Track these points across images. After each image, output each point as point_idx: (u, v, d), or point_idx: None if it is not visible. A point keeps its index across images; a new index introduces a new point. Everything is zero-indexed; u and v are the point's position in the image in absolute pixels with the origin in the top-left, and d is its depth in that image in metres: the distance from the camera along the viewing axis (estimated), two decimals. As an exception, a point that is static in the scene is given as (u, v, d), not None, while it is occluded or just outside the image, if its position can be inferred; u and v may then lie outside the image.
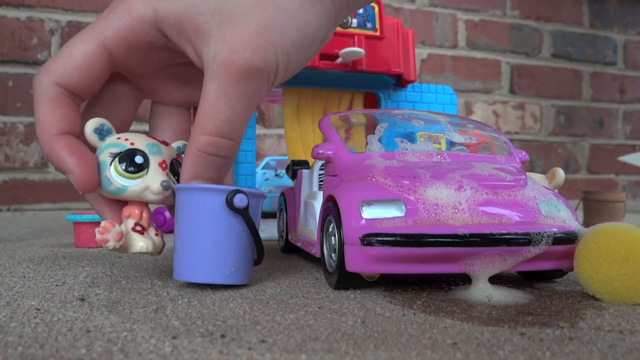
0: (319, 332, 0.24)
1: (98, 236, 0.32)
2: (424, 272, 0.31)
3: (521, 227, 0.31)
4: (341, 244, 0.32)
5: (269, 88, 0.32)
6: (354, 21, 0.55)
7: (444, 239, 0.30)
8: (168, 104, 0.37)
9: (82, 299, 0.31)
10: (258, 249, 0.34)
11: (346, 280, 0.33)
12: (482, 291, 0.32)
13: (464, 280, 0.36)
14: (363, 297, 0.32)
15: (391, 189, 0.33)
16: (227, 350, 0.22)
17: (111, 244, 0.32)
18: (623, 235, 0.30)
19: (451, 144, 0.40)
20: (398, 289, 0.34)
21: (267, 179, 0.85)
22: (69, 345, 0.22)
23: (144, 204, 0.34)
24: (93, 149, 0.33)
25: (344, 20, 0.55)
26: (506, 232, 0.30)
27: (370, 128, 0.40)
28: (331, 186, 0.38)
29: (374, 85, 0.61)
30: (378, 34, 0.56)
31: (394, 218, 0.31)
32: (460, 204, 0.31)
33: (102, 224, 0.32)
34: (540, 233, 0.31)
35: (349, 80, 0.58)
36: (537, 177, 0.42)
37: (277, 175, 0.85)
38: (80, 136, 0.32)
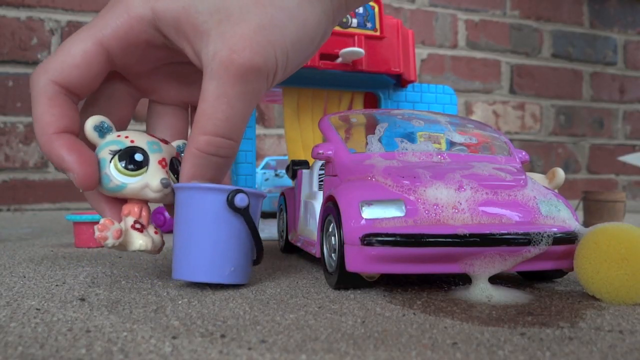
0: (319, 332, 0.24)
1: (97, 233, 0.32)
2: (424, 272, 0.31)
3: (521, 227, 0.31)
4: (341, 244, 0.32)
5: (269, 87, 0.32)
6: (354, 21, 0.55)
7: (444, 239, 0.30)
8: (166, 104, 0.37)
9: (82, 299, 0.31)
10: (258, 249, 0.34)
11: (346, 280, 0.33)
12: (482, 291, 0.32)
13: (464, 280, 0.36)
14: (363, 297, 0.32)
15: (391, 189, 0.33)
16: (227, 350, 0.22)
17: (110, 241, 0.32)
18: (623, 235, 0.30)
19: (451, 144, 0.40)
20: (398, 289, 0.34)
21: (267, 179, 0.85)
22: (69, 345, 0.22)
23: (144, 202, 0.34)
24: (92, 147, 0.33)
25: (344, 20, 0.55)
26: (506, 232, 0.30)
27: (370, 128, 0.40)
28: (331, 186, 0.38)
29: (374, 85, 0.61)
30: (378, 34, 0.56)
31: (394, 218, 0.31)
32: (460, 204, 0.32)
33: (101, 221, 0.32)
34: (540, 233, 0.31)
35: (349, 80, 0.58)
36: (537, 177, 0.42)
37: (277, 175, 0.85)
38: (79, 134, 0.32)
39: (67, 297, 0.31)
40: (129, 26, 0.31)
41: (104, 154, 0.33)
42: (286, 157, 0.92)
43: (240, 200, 0.31)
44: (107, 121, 0.33)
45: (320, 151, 0.38)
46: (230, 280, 0.33)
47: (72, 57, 0.31)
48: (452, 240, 0.30)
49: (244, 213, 0.32)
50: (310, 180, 0.45)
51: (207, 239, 0.32)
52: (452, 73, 1.45)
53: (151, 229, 0.34)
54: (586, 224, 0.77)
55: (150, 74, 0.35)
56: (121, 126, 0.36)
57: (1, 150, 1.08)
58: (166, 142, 0.35)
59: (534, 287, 0.35)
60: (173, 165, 0.34)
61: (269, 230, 0.62)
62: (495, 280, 0.34)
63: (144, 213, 0.34)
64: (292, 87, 0.59)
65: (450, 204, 0.31)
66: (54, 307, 0.29)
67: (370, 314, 0.28)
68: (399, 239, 0.30)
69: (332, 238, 0.34)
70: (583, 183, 1.59)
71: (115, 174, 0.32)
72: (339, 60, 0.54)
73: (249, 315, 0.27)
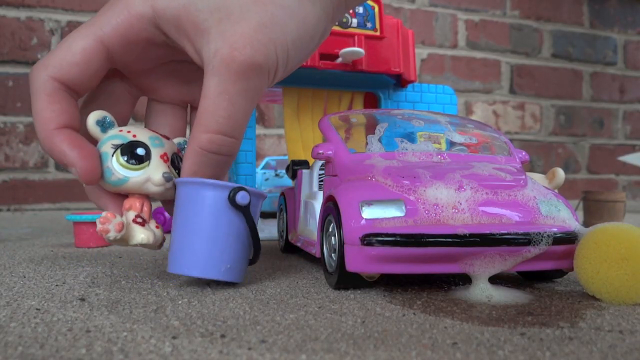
0: (319, 332, 0.24)
1: (99, 226, 0.32)
2: (424, 272, 0.31)
3: (521, 227, 0.31)
4: (341, 244, 0.32)
5: (269, 85, 0.32)
6: (354, 21, 0.55)
7: (444, 239, 0.30)
8: (164, 102, 0.37)
9: (82, 299, 0.31)
10: (255, 248, 0.34)
11: (346, 280, 0.33)
12: (482, 291, 0.32)
13: (464, 280, 0.36)
14: (363, 297, 0.32)
15: (391, 189, 0.33)
16: (227, 350, 0.22)
17: (112, 234, 0.32)
18: (623, 235, 0.30)
19: (451, 144, 0.40)
20: (398, 289, 0.34)
21: (267, 179, 0.85)
22: (69, 345, 0.22)
23: (145, 196, 0.34)
24: (93, 142, 0.33)
25: (344, 20, 0.55)
26: (506, 232, 0.30)
27: (370, 128, 0.40)
28: (331, 186, 0.38)
29: (374, 85, 0.61)
30: (378, 34, 0.56)
31: (394, 218, 0.31)
32: (460, 204, 0.31)
33: (103, 214, 0.32)
34: (540, 233, 0.31)
35: (349, 80, 0.58)
36: (537, 177, 0.42)
37: (277, 175, 0.85)
38: (80, 130, 0.32)
39: (67, 297, 0.31)
40: (129, 24, 0.31)
41: (106, 148, 0.33)
42: (286, 157, 0.92)
43: (242, 197, 0.32)
44: (109, 116, 0.33)
45: (320, 151, 0.38)
46: (225, 277, 0.32)
47: (72, 54, 0.31)
48: (452, 240, 0.30)
49: (244, 211, 0.32)
50: (310, 180, 0.45)
51: (206, 234, 0.32)
52: (452, 73, 1.45)
53: (152, 224, 0.34)
54: (586, 224, 0.77)
55: (150, 72, 0.35)
56: (121, 124, 0.36)
57: (1, 150, 1.08)
58: (167, 138, 0.35)
59: (534, 287, 0.35)
60: (174, 161, 0.34)
61: (269, 230, 0.62)
62: (495, 280, 0.34)
63: (145, 208, 0.34)
64: (292, 87, 0.59)
65: (450, 204, 0.31)
66: (54, 307, 0.29)
67: (370, 314, 0.28)
68: (399, 239, 0.30)
69: (332, 238, 0.34)
70: (583, 183, 1.59)
71: (118, 167, 0.32)
72: (339, 60, 0.54)
73: (249, 315, 0.27)
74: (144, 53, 0.33)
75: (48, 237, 0.64)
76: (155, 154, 0.33)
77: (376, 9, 0.56)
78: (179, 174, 0.34)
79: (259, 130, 1.25)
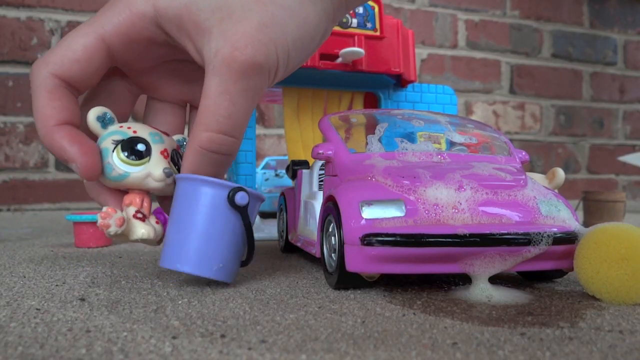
0: (319, 332, 0.24)
1: (100, 221, 0.32)
2: (424, 272, 0.31)
3: (521, 227, 0.31)
4: (341, 244, 0.32)
5: (270, 84, 0.32)
6: (354, 21, 0.55)
7: (444, 239, 0.30)
8: (164, 101, 0.38)
9: (82, 299, 0.31)
10: (249, 249, 0.34)
11: (346, 280, 0.33)
12: (482, 291, 0.32)
13: (464, 280, 0.36)
14: (363, 297, 0.32)
15: (391, 189, 0.33)
16: (227, 350, 0.22)
17: (113, 229, 0.32)
18: (623, 235, 0.30)
19: (451, 144, 0.40)
20: (398, 289, 0.34)
21: (267, 179, 0.85)
22: (69, 345, 0.22)
23: (145, 192, 0.34)
24: (94, 139, 0.33)
25: (344, 20, 0.55)
26: (506, 232, 0.30)
27: (370, 128, 0.40)
28: (331, 186, 0.38)
29: (374, 85, 0.61)
30: (378, 34, 0.56)
31: (394, 218, 0.31)
32: (460, 204, 0.31)
33: (104, 209, 0.32)
34: (540, 233, 0.31)
35: (349, 80, 0.58)
36: (537, 177, 0.42)
37: (277, 175, 0.85)
38: (80, 127, 0.32)
39: (67, 297, 0.31)
40: (130, 23, 0.31)
41: (107, 143, 0.33)
42: (286, 157, 0.92)
43: (241, 198, 0.32)
44: (109, 112, 0.33)
45: (320, 151, 0.38)
46: (216, 276, 0.32)
47: (72, 51, 0.31)
48: (452, 240, 0.30)
49: (242, 212, 0.32)
50: (310, 180, 0.45)
51: (201, 232, 0.32)
52: (452, 73, 1.45)
53: (152, 219, 0.34)
54: (586, 224, 0.77)
55: (151, 71, 0.36)
56: (121, 122, 0.36)
57: (1, 150, 1.08)
58: (167, 135, 0.35)
59: (534, 287, 0.35)
60: (173, 158, 0.35)
61: (269, 230, 0.62)
62: (495, 280, 0.34)
63: (145, 204, 0.34)
64: (292, 87, 0.59)
65: (450, 204, 0.31)
66: (54, 307, 0.29)
67: (370, 314, 0.28)
68: (399, 239, 0.30)
69: (332, 238, 0.34)
70: (583, 183, 1.59)
71: (118, 163, 0.32)
72: (339, 60, 0.54)
73: (249, 315, 0.27)
74: (145, 52, 0.33)
75: (48, 237, 0.64)
76: (156, 149, 0.33)
77: (376, 9, 0.56)
78: (178, 170, 0.34)
79: (259, 130, 1.25)
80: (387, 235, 0.30)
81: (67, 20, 1.12)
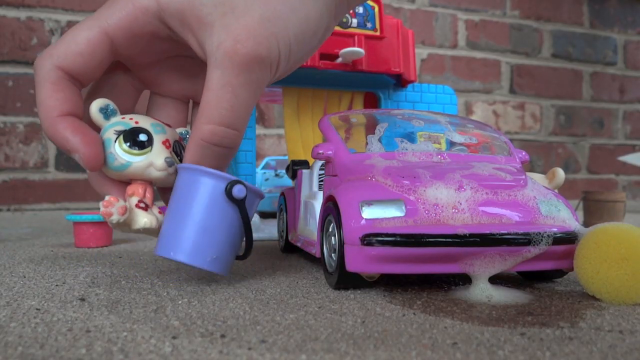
0: (319, 332, 0.24)
1: (102, 209, 0.32)
2: (424, 272, 0.31)
3: (521, 227, 0.31)
4: (341, 244, 0.32)
5: (272, 78, 0.32)
6: (354, 21, 0.55)
7: (444, 239, 0.30)
8: (167, 96, 0.38)
9: (82, 299, 0.31)
10: (248, 243, 0.34)
11: (346, 280, 0.33)
12: (482, 291, 0.32)
13: (464, 280, 0.36)
14: (363, 297, 0.32)
15: (391, 189, 0.33)
16: (227, 350, 0.22)
17: (115, 217, 0.32)
18: (623, 235, 0.30)
19: (451, 144, 0.40)
20: (398, 289, 0.34)
21: (267, 179, 0.85)
22: (69, 345, 0.22)
23: (148, 183, 0.34)
24: (97, 130, 0.33)
25: (344, 20, 0.55)
26: (506, 232, 0.30)
27: (370, 128, 0.40)
28: (331, 186, 0.38)
29: (374, 85, 0.61)
30: (378, 34, 0.56)
31: (394, 218, 0.31)
32: (460, 204, 0.31)
33: (106, 197, 0.32)
34: (540, 233, 0.31)
35: (349, 80, 0.58)
36: (537, 177, 0.42)
37: (277, 175, 0.85)
38: (83, 119, 0.33)
39: (67, 297, 0.31)
40: (133, 17, 0.31)
41: (109, 134, 0.33)
42: (286, 157, 0.92)
43: (239, 191, 0.32)
44: (111, 104, 0.34)
45: (320, 151, 0.38)
46: (210, 268, 0.32)
47: (76, 44, 0.31)
48: (452, 240, 0.30)
49: (239, 205, 0.32)
50: (310, 180, 0.45)
51: (197, 221, 0.32)
52: (452, 73, 1.45)
53: (155, 209, 0.35)
54: (586, 224, 0.77)
55: (154, 66, 0.36)
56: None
57: (1, 150, 1.08)
58: (169, 126, 0.36)
59: (534, 287, 0.35)
60: (175, 149, 0.35)
61: (269, 230, 0.62)
62: (495, 280, 0.34)
63: (148, 194, 0.34)
64: (292, 87, 0.59)
65: (450, 204, 0.31)
66: (54, 307, 0.29)
67: (370, 314, 0.28)
68: (399, 239, 0.30)
69: (332, 238, 0.34)
70: (583, 183, 1.59)
71: (120, 152, 0.33)
72: (339, 60, 0.54)
73: (249, 315, 0.27)
74: (148, 46, 0.33)
75: (48, 237, 0.64)
76: (157, 140, 0.34)
77: (376, 9, 0.56)
78: (180, 162, 0.34)
79: (259, 130, 1.25)
80: (387, 235, 0.30)
81: (67, 20, 1.12)
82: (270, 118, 1.27)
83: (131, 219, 0.33)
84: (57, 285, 0.35)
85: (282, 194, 0.51)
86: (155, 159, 0.33)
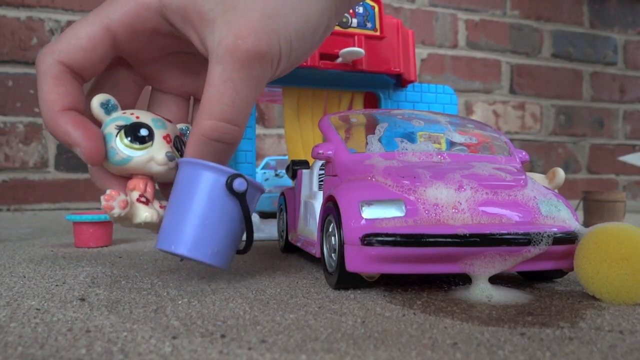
0: (319, 332, 0.24)
1: (103, 203, 0.32)
2: (424, 272, 0.31)
3: (521, 227, 0.31)
4: (341, 244, 0.32)
5: (273, 75, 0.33)
6: (354, 21, 0.55)
7: (444, 239, 0.30)
8: (168, 92, 0.38)
9: (82, 299, 0.31)
10: (248, 237, 0.34)
11: (346, 280, 0.33)
12: (482, 291, 0.32)
13: (464, 280, 0.36)
14: (363, 297, 0.32)
15: (391, 189, 0.32)
16: (227, 350, 0.22)
17: (116, 211, 0.32)
18: (623, 235, 0.30)
19: (451, 144, 0.40)
20: (398, 289, 0.34)
21: (267, 179, 0.85)
22: (69, 345, 0.22)
23: (149, 177, 0.34)
24: (98, 125, 0.33)
25: (344, 20, 0.55)
26: (506, 232, 0.30)
27: (370, 128, 0.40)
28: (331, 186, 0.38)
29: (374, 85, 0.61)
30: (378, 33, 0.56)
31: (394, 218, 0.31)
32: (460, 204, 0.31)
33: (107, 191, 0.32)
34: (540, 233, 0.31)
35: (349, 80, 0.58)
36: (537, 177, 0.42)
37: (277, 175, 0.85)
38: (84, 113, 0.33)
39: (67, 297, 0.31)
40: (135, 13, 0.31)
41: (110, 129, 0.33)
42: (286, 157, 0.92)
43: (239, 184, 0.32)
44: (112, 99, 0.34)
45: (320, 151, 0.38)
46: (211, 261, 0.32)
47: (78, 39, 0.31)
48: (452, 240, 0.30)
49: (240, 198, 0.32)
50: (310, 180, 0.45)
51: (198, 215, 0.32)
52: (452, 73, 1.45)
53: (156, 203, 0.35)
54: (586, 224, 0.77)
55: (156, 62, 0.36)
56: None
57: (1, 150, 1.08)
58: (170, 121, 0.36)
59: (534, 287, 0.35)
60: (176, 144, 0.35)
61: (269, 230, 0.62)
62: (495, 280, 0.34)
63: (149, 189, 0.34)
64: (292, 87, 0.59)
65: (450, 204, 0.31)
66: (54, 307, 0.29)
67: (370, 314, 0.28)
68: (399, 239, 0.30)
69: (332, 238, 0.34)
70: (583, 183, 1.59)
71: (121, 147, 0.33)
72: (339, 60, 0.54)
73: (249, 315, 0.27)
74: (150, 42, 0.34)
75: (48, 237, 0.64)
76: (158, 135, 0.34)
77: (376, 9, 0.56)
78: (181, 157, 0.35)
79: (259, 130, 1.25)
80: (387, 235, 0.30)
81: (67, 20, 1.12)
82: (270, 118, 1.27)
83: (132, 213, 0.33)
84: (57, 285, 0.35)
85: (282, 194, 0.51)
86: (156, 153, 0.33)
